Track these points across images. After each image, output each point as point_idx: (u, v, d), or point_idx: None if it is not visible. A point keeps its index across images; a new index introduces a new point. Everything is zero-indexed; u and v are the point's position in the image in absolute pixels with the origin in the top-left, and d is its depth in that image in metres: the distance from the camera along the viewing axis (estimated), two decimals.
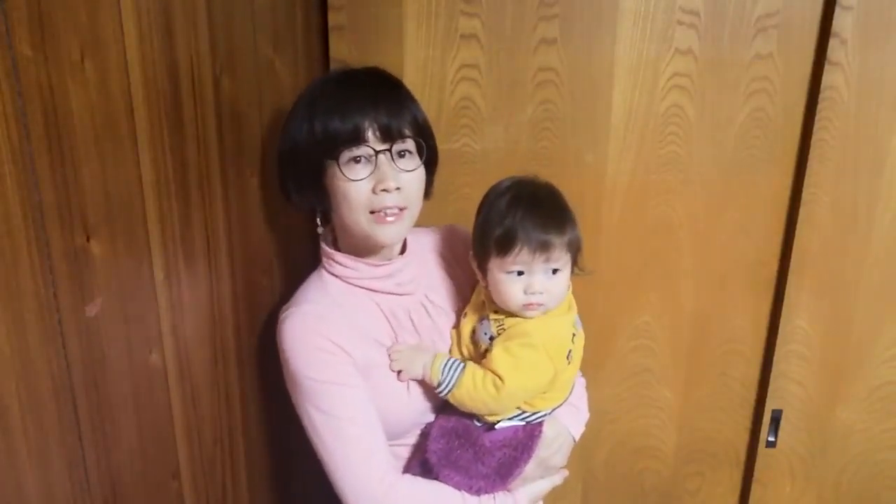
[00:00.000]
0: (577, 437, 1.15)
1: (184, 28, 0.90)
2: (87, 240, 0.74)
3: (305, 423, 1.01)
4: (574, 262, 1.03)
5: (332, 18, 1.29)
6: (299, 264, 1.30)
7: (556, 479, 1.12)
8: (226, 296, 1.07)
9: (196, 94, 0.94)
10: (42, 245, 0.68)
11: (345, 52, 1.30)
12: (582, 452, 1.50)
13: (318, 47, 1.32)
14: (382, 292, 1.08)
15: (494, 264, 1.01)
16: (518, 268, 0.99)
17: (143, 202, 0.84)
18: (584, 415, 1.19)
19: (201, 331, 1.01)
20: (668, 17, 1.25)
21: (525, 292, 0.99)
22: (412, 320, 1.10)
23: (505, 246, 0.98)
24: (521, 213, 0.99)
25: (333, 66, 1.30)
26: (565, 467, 1.14)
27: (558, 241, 0.98)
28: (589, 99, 1.30)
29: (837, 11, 1.21)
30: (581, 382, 1.22)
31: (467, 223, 1.24)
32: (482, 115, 1.32)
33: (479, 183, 1.34)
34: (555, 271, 1.00)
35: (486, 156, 1.34)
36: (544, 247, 0.97)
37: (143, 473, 0.88)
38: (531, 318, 1.02)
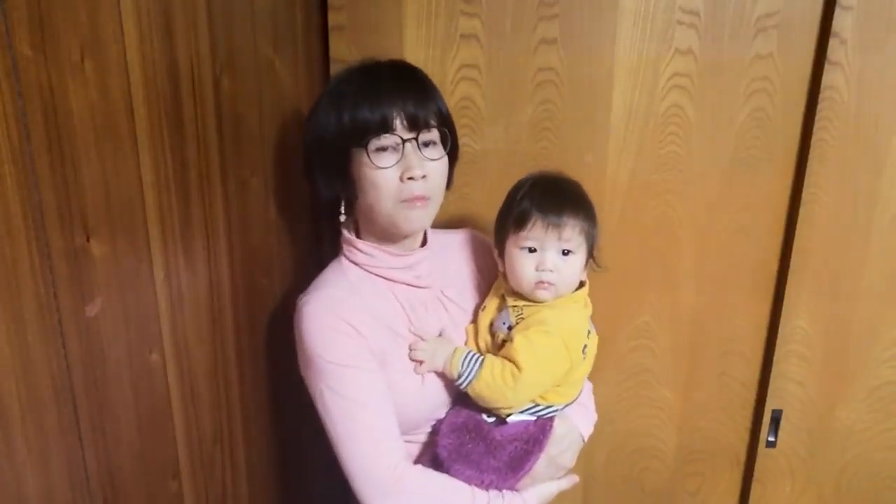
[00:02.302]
0: (586, 437, 1.15)
1: (184, 28, 0.90)
2: (87, 240, 0.74)
3: (318, 405, 1.01)
4: (590, 254, 1.07)
5: (332, 18, 1.29)
6: (299, 264, 1.31)
7: (564, 483, 1.12)
8: (226, 295, 1.07)
9: (196, 94, 0.94)
10: (42, 245, 0.68)
11: (345, 52, 1.30)
12: (582, 452, 1.48)
13: (318, 47, 1.33)
14: (400, 283, 1.09)
15: (511, 241, 1.06)
16: (531, 243, 1.04)
17: (143, 202, 0.84)
18: (593, 415, 1.20)
19: (201, 331, 1.01)
20: (668, 17, 1.25)
21: (537, 269, 1.03)
22: (428, 313, 1.10)
23: (521, 220, 1.03)
24: (539, 192, 1.05)
25: (333, 66, 1.30)
26: (572, 471, 1.14)
27: (571, 221, 1.02)
28: (589, 99, 1.30)
29: (837, 11, 1.21)
30: (588, 386, 1.23)
31: (467, 223, 1.24)
32: (482, 115, 1.32)
33: (479, 183, 1.34)
34: (567, 252, 1.03)
35: (486, 156, 1.34)
36: (557, 224, 1.02)
37: (143, 473, 0.89)
38: (543, 301, 1.05)
